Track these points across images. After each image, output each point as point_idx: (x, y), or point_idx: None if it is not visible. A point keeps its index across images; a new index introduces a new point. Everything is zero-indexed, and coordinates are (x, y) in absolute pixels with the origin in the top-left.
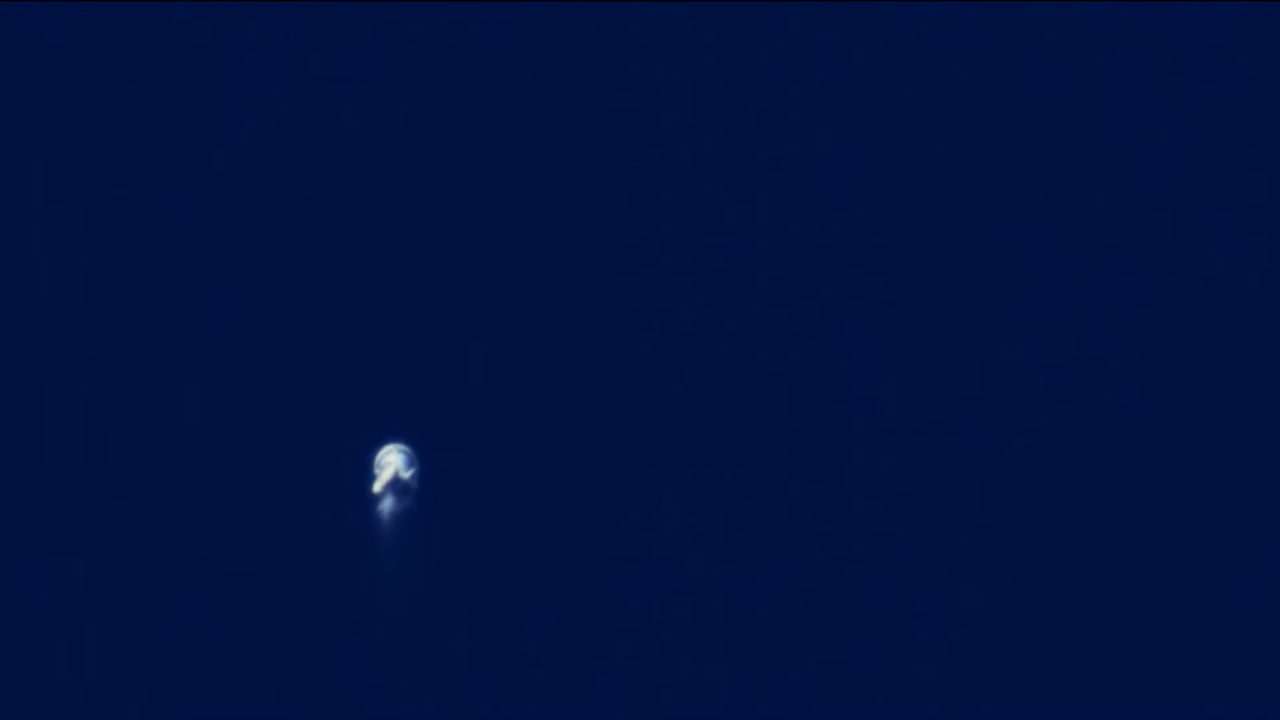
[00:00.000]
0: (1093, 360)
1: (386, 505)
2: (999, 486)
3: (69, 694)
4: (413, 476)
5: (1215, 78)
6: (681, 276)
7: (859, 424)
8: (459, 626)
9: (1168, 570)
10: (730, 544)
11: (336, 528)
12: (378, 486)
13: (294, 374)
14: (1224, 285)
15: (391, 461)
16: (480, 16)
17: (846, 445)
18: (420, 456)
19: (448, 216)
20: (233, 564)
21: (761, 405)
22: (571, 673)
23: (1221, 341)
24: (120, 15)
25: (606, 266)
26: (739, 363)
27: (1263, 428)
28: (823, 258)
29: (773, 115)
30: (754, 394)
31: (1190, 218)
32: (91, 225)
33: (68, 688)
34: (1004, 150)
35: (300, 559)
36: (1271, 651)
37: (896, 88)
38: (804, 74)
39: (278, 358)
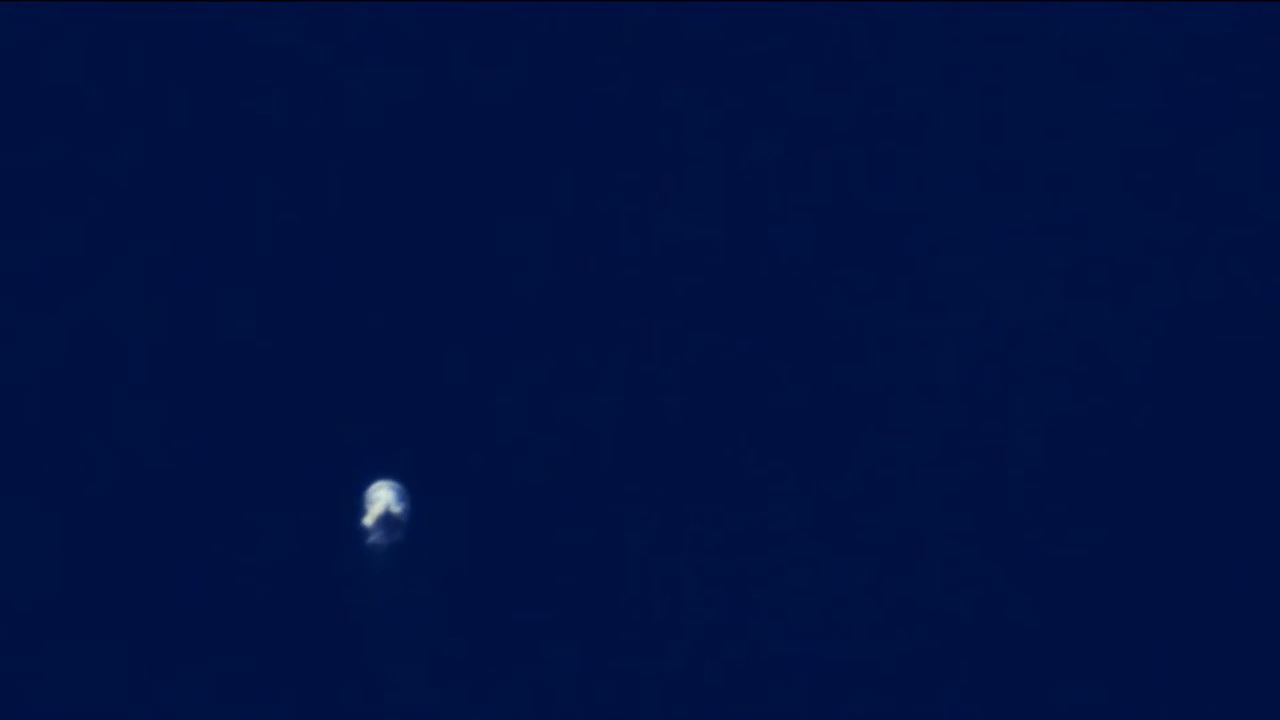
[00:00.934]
0: (1094, 361)
1: (376, 539)
2: (1000, 487)
3: None
4: (403, 511)
5: (1217, 77)
6: (680, 280)
7: (861, 424)
8: (447, 656)
9: (1169, 570)
10: (730, 563)
11: (327, 560)
12: (368, 520)
13: (288, 410)
14: (1225, 285)
15: (382, 496)
16: (481, 16)
17: (848, 445)
18: (411, 493)
19: (441, 243)
20: (223, 592)
21: (763, 409)
22: (564, 703)
23: (1222, 342)
24: (120, 15)
25: (597, 293)
26: (742, 365)
27: (1264, 428)
28: (825, 258)
29: (775, 115)
30: (756, 399)
31: (1191, 218)
32: (85, 237)
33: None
34: (1005, 150)
35: (291, 590)
36: (1272, 652)
37: (898, 88)
38: (805, 73)
39: (273, 392)
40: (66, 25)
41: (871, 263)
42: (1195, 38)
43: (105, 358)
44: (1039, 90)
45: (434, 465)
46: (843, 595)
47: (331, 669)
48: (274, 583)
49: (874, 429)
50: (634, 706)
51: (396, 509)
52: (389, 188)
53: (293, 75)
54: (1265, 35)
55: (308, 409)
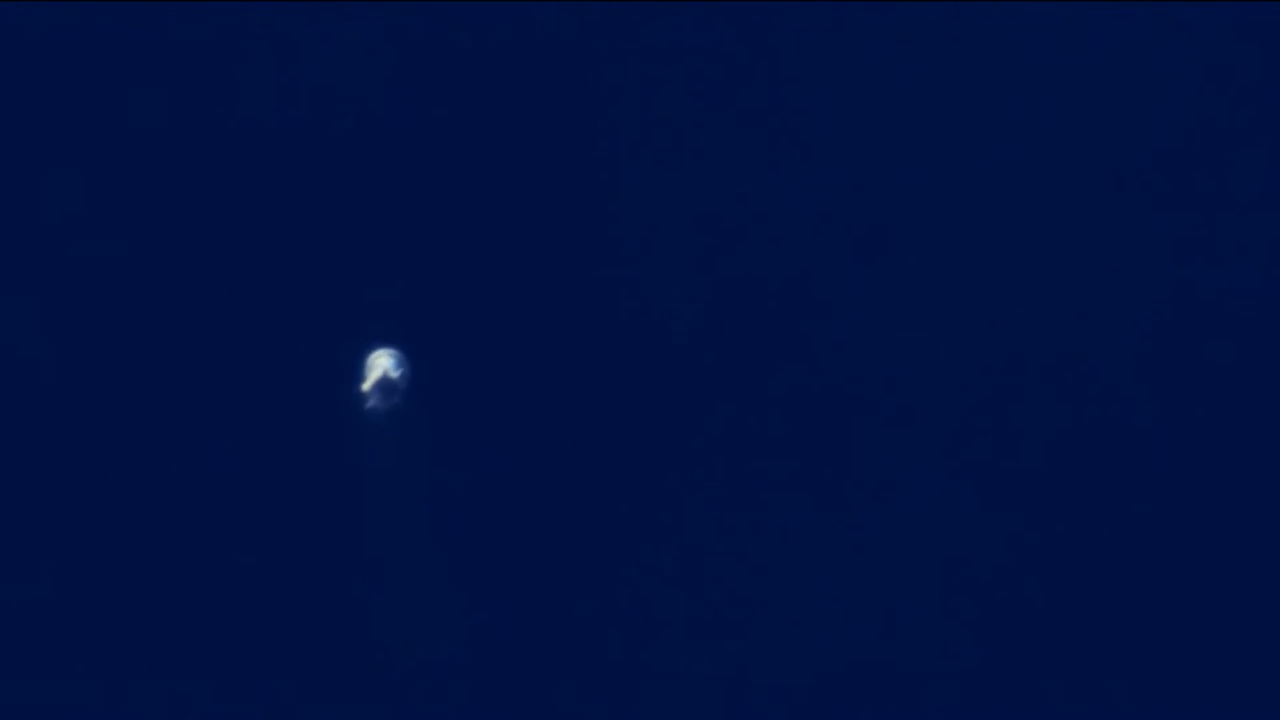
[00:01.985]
0: (1095, 362)
1: (374, 403)
2: (1001, 487)
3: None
4: (401, 377)
5: (1218, 78)
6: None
7: (860, 424)
8: (444, 519)
9: (1170, 571)
10: (724, 471)
11: (325, 425)
12: (366, 386)
13: (289, 280)
14: (1225, 286)
15: (381, 363)
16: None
17: (847, 445)
18: (410, 361)
19: (442, 115)
20: (221, 454)
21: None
22: (554, 573)
23: (1223, 342)
24: (119, 15)
25: (604, 183)
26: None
27: (1265, 429)
28: (824, 258)
29: (775, 114)
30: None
31: (1192, 219)
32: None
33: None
34: (1005, 151)
35: (289, 455)
36: (1272, 652)
37: (898, 88)
38: (805, 74)
39: (274, 263)
40: (66, 25)
41: (872, 263)
42: (1196, 38)
43: (98, 223)
44: (1040, 91)
45: (433, 334)
46: (841, 596)
47: (329, 532)
48: (272, 448)
49: (873, 430)
50: (627, 563)
51: (394, 375)
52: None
53: None
54: (1267, 35)
55: (309, 278)
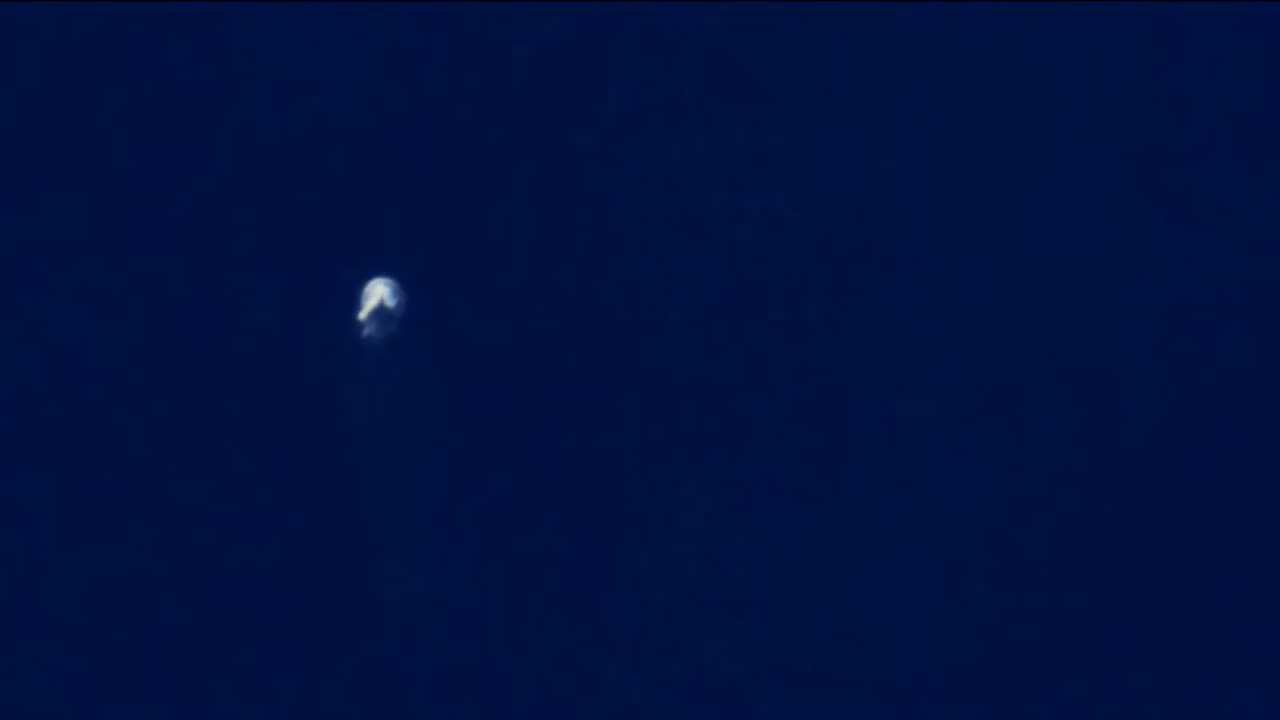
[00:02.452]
0: (1096, 363)
1: (370, 330)
2: (1002, 490)
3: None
4: (397, 306)
5: (1220, 78)
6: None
7: (860, 425)
8: (441, 445)
9: (1172, 572)
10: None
11: (321, 351)
12: (363, 314)
13: (287, 209)
14: (1228, 287)
15: (378, 292)
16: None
17: (847, 445)
18: (407, 289)
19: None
20: (217, 381)
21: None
22: (550, 500)
23: (1226, 343)
24: (119, 15)
25: (610, 134)
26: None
27: (1266, 430)
28: (824, 258)
29: (776, 114)
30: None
31: (1195, 219)
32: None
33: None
34: (1006, 151)
35: (287, 383)
36: (1273, 654)
37: (898, 88)
38: (806, 73)
39: (273, 192)
40: (65, 25)
41: (872, 264)
42: (1200, 38)
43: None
44: (1042, 91)
45: (431, 264)
46: (843, 593)
47: (326, 459)
48: (271, 373)
49: (872, 430)
50: (625, 494)
51: (391, 303)
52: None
53: None
54: (1268, 35)
55: (306, 208)
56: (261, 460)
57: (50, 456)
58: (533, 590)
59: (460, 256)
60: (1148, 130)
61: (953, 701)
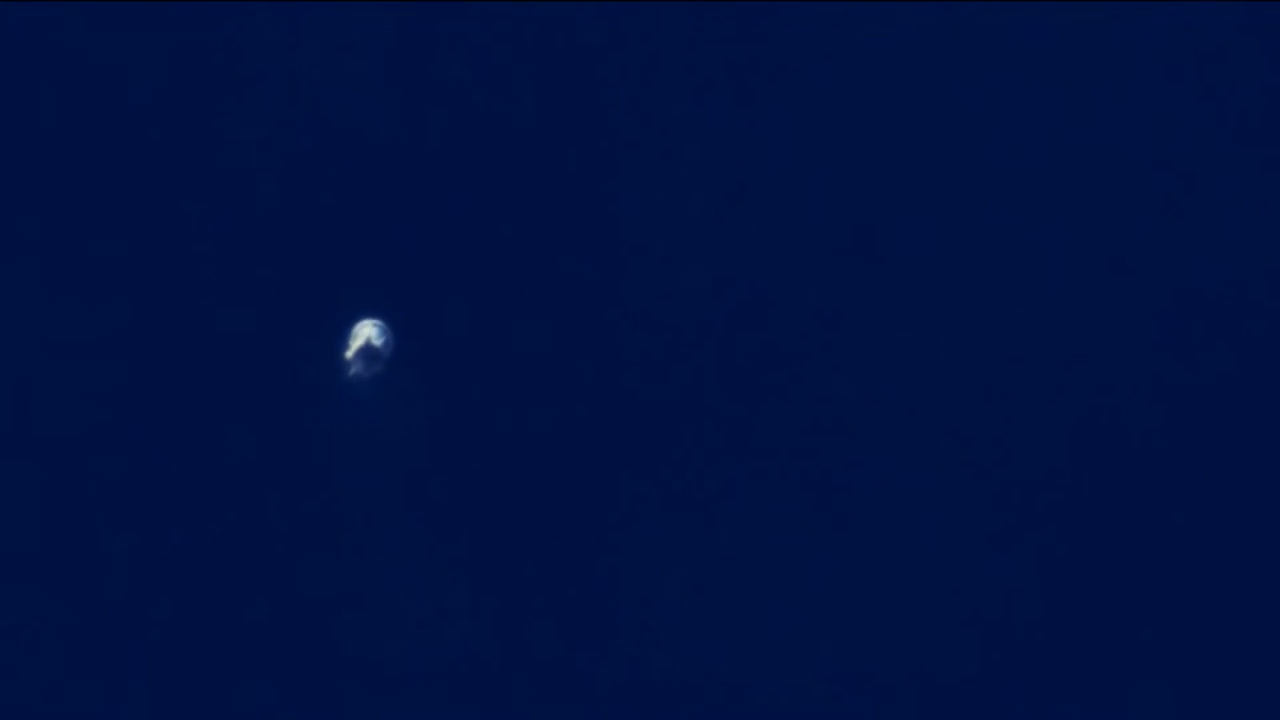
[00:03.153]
0: (1098, 365)
1: (356, 370)
2: (1002, 492)
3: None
4: (384, 345)
5: (1221, 78)
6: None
7: (859, 426)
8: (427, 481)
9: (1174, 572)
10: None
11: (307, 393)
12: (349, 353)
13: (275, 248)
14: (1229, 288)
15: (365, 332)
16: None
17: (847, 444)
18: (395, 330)
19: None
20: (203, 416)
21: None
22: (537, 541)
23: (1227, 345)
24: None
25: (599, 164)
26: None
27: (1267, 431)
28: (823, 259)
29: (775, 115)
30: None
31: (1196, 220)
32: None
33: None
34: (1007, 152)
35: (274, 420)
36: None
37: (898, 88)
38: (806, 73)
39: (263, 227)
40: (65, 24)
41: (872, 265)
42: (1201, 38)
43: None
44: (1043, 91)
45: (420, 305)
46: (842, 597)
47: (311, 492)
48: (256, 412)
49: (875, 432)
50: (617, 537)
51: (378, 343)
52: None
53: None
54: (1266, 35)
55: (296, 247)
56: (242, 495)
57: (21, 491)
58: (517, 632)
59: (450, 298)
60: (1148, 130)
61: (953, 702)
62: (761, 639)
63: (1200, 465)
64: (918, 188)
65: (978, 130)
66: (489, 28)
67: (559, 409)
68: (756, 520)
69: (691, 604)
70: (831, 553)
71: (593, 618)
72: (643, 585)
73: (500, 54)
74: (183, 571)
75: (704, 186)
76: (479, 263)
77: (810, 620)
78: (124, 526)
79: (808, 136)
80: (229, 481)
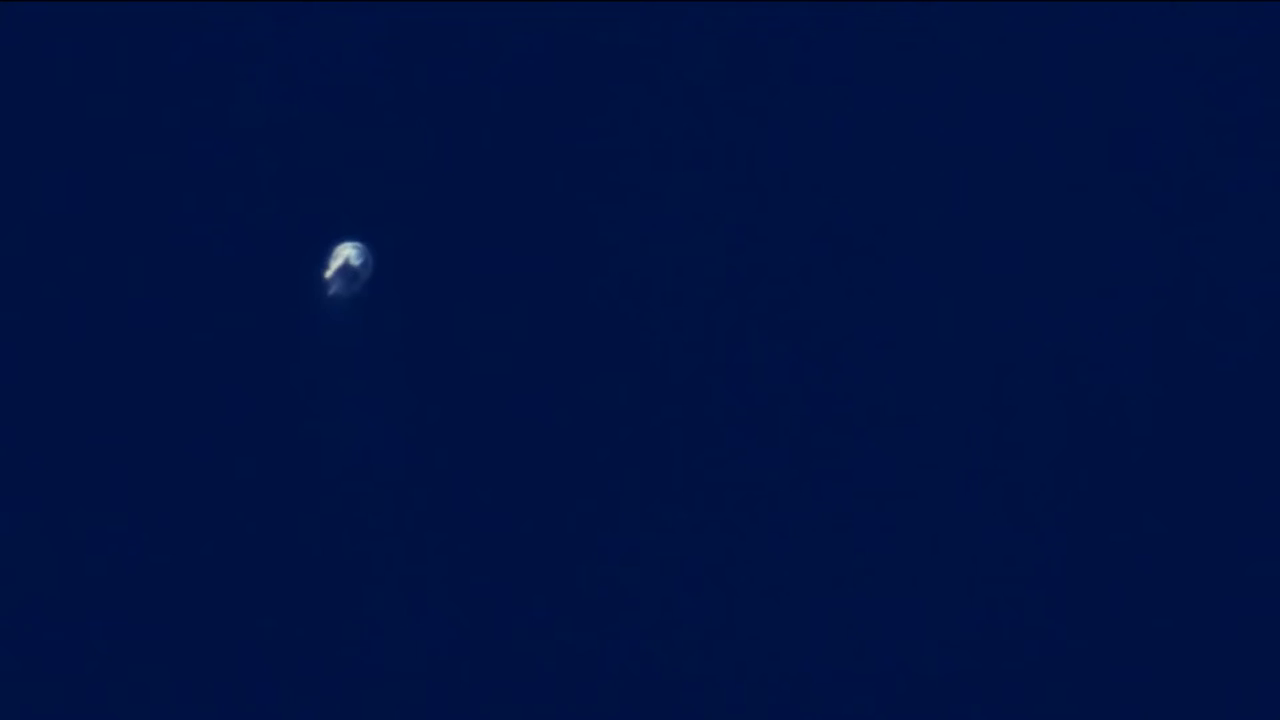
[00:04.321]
0: (1099, 366)
1: (335, 289)
2: (1003, 494)
3: None
4: (363, 265)
5: (1222, 79)
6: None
7: (860, 428)
8: (406, 402)
9: (1175, 572)
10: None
11: (284, 308)
12: (328, 273)
13: (258, 173)
14: (1230, 288)
15: (344, 252)
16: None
17: (847, 444)
18: (374, 251)
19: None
20: (183, 333)
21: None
22: (516, 469)
23: (1229, 346)
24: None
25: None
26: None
27: (1269, 432)
28: (824, 260)
29: (777, 115)
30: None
31: (1197, 220)
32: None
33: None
34: (1008, 152)
35: (252, 342)
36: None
37: (899, 88)
38: (807, 74)
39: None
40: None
41: (874, 265)
42: (1196, 37)
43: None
44: (1043, 91)
45: (400, 229)
46: (841, 597)
47: (288, 416)
48: (234, 332)
49: (875, 434)
50: (592, 464)
51: (357, 263)
52: None
53: None
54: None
55: (278, 171)
56: (221, 418)
57: (8, 414)
58: (498, 564)
59: (431, 222)
60: (1149, 129)
61: (952, 702)
62: (760, 637)
63: (1201, 465)
64: (918, 188)
65: (977, 130)
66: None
67: (537, 346)
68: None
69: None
70: (831, 552)
71: (571, 553)
72: (621, 512)
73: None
74: (161, 496)
75: (691, 141)
76: (461, 191)
77: (810, 620)
78: (106, 455)
79: (808, 136)
80: (209, 400)
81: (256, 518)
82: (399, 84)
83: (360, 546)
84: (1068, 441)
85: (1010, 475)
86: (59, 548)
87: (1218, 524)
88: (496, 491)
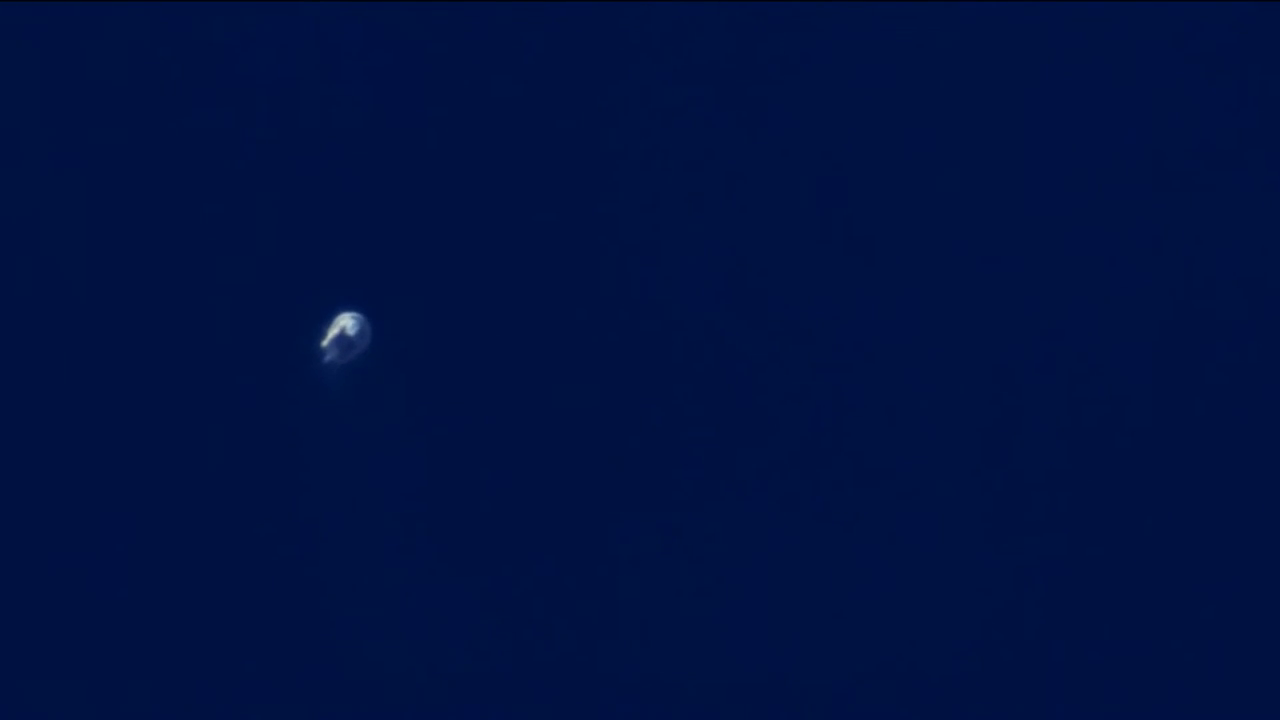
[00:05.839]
0: (1101, 365)
1: (331, 358)
2: (1004, 492)
3: None
4: (359, 334)
5: (1223, 78)
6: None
7: (860, 426)
8: (402, 469)
9: (1174, 575)
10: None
11: (279, 375)
12: (325, 342)
13: (256, 243)
14: (1231, 287)
15: (341, 322)
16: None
17: (847, 443)
18: (371, 321)
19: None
20: (178, 402)
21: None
22: (515, 530)
23: (1229, 345)
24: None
25: (589, 162)
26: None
27: (1269, 431)
28: (824, 259)
29: (778, 115)
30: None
31: (1199, 220)
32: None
33: None
34: (1008, 151)
35: (247, 409)
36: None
37: (900, 88)
38: (808, 74)
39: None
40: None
41: (874, 264)
42: (1203, 37)
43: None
44: (1044, 91)
45: (399, 299)
46: (842, 597)
47: (284, 477)
48: (230, 397)
49: (876, 432)
50: (593, 516)
51: (353, 332)
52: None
53: None
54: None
55: (278, 247)
56: (212, 477)
57: None
58: (499, 619)
59: (429, 292)
60: (1148, 130)
61: (953, 702)
62: (759, 635)
63: (1201, 466)
64: (916, 188)
65: (978, 130)
66: (471, 25)
67: (539, 403)
68: (747, 511)
69: (678, 597)
70: (831, 551)
71: (576, 610)
72: (626, 578)
73: (483, 51)
74: (152, 560)
75: (685, 188)
76: (460, 258)
77: (809, 621)
78: (94, 514)
79: (807, 136)
80: (200, 464)
81: (248, 584)
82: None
83: (358, 617)
84: (1067, 442)
85: (1009, 475)
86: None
87: (1217, 524)
88: (501, 565)
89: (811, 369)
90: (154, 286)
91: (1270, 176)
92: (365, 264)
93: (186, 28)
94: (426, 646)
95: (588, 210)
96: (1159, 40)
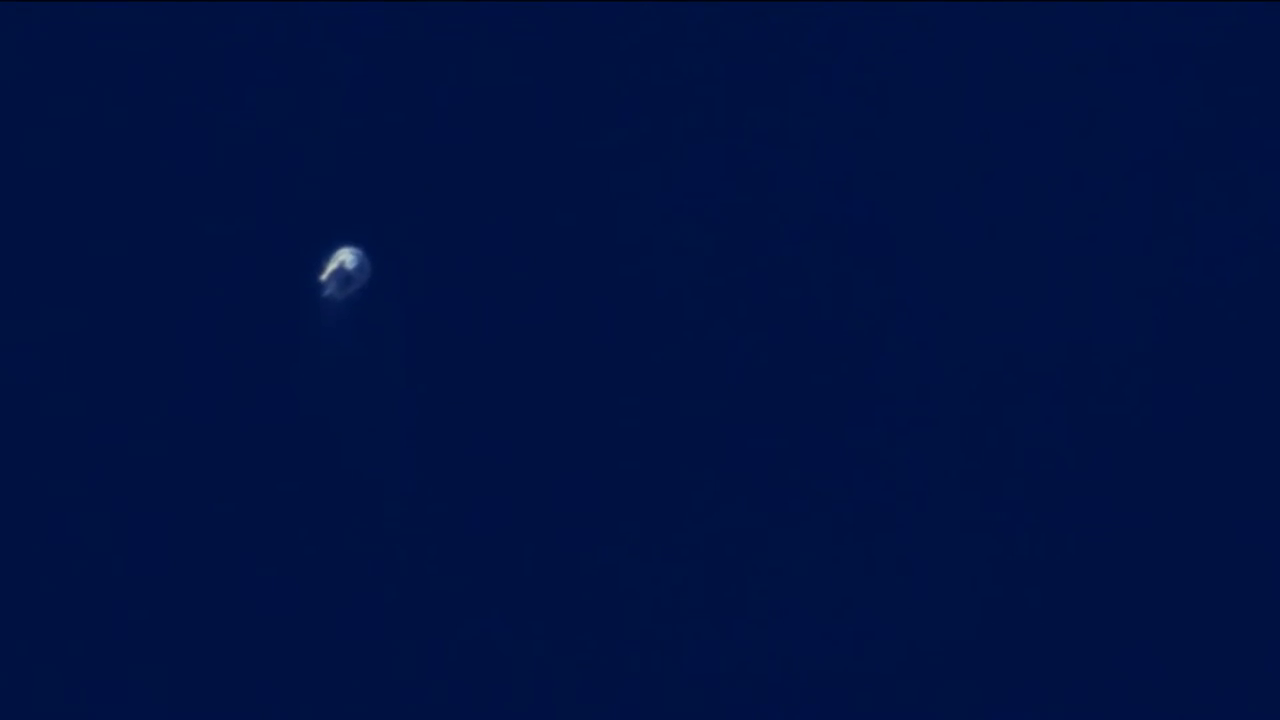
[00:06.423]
0: (1101, 365)
1: (330, 291)
2: (1006, 491)
3: None
4: (358, 268)
5: (1223, 77)
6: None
7: (860, 426)
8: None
9: (1177, 575)
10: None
11: (279, 309)
12: (324, 275)
13: (256, 176)
14: (1230, 287)
15: (340, 256)
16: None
17: (848, 446)
18: (371, 256)
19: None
20: (181, 337)
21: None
22: (514, 466)
23: (1230, 343)
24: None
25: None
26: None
27: (1270, 429)
28: (825, 258)
29: (779, 114)
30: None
31: (1199, 220)
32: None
33: None
34: (1008, 150)
35: (250, 343)
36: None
37: (900, 87)
38: (809, 74)
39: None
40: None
41: (875, 264)
42: (1203, 37)
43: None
44: (1044, 90)
45: (399, 235)
46: (842, 595)
47: (281, 414)
48: (228, 338)
49: (878, 431)
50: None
51: (352, 266)
52: None
53: None
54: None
55: (276, 175)
56: (211, 414)
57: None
58: (500, 559)
59: (428, 227)
60: (1149, 130)
61: (952, 702)
62: (759, 635)
63: (1201, 466)
64: (916, 189)
65: (978, 131)
66: None
67: (537, 342)
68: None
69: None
70: (831, 552)
71: (573, 554)
72: (625, 531)
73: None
74: (151, 496)
75: (691, 144)
76: (460, 193)
77: (809, 620)
78: (98, 451)
79: (807, 136)
80: (199, 402)
81: (248, 526)
82: (397, 87)
83: (361, 556)
84: (1067, 441)
85: (1009, 473)
86: (55, 555)
87: (1217, 524)
88: (501, 499)
89: (812, 369)
90: (152, 225)
91: (1270, 176)
92: (365, 198)
93: None
94: (423, 585)
95: (589, 145)
96: (1159, 40)
